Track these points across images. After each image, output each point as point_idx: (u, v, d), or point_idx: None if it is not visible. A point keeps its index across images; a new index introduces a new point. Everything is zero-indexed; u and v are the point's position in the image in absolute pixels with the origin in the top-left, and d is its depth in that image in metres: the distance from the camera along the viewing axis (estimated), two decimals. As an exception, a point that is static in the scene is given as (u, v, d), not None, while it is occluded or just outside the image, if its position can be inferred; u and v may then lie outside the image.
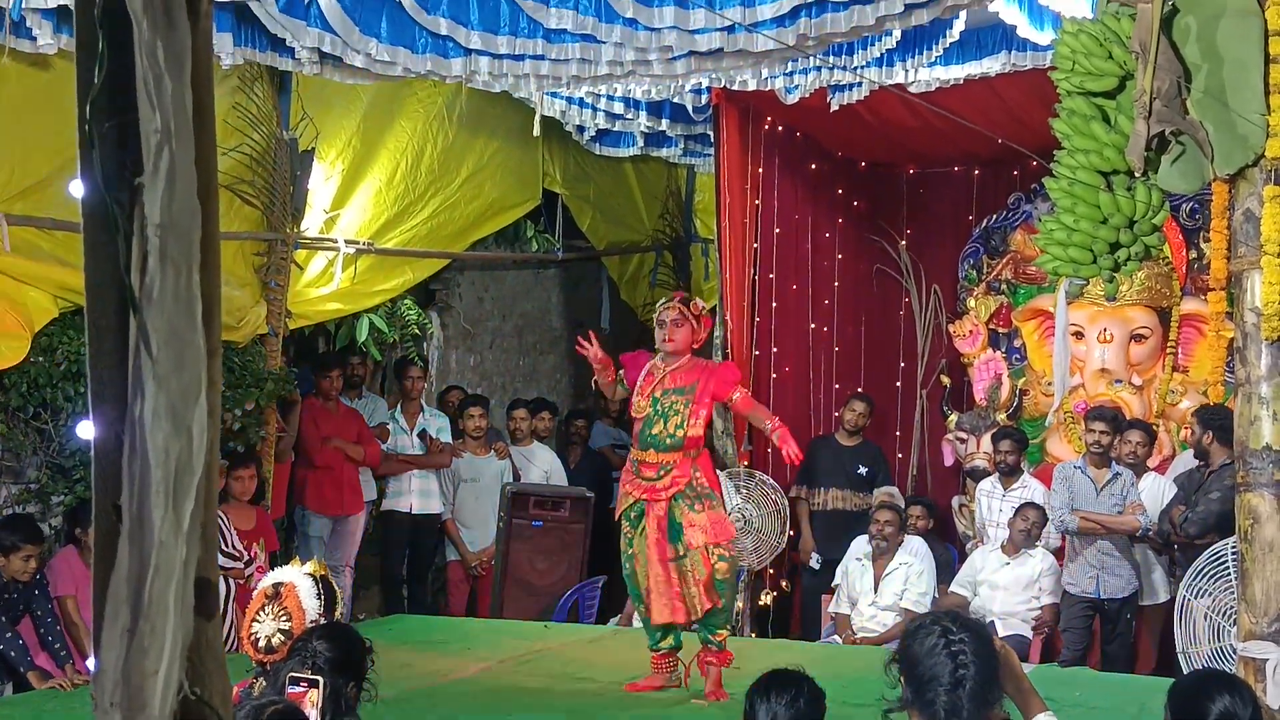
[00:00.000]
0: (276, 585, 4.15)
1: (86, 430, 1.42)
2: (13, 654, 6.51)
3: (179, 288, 1.33)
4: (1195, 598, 6.44)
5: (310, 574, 4.20)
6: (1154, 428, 8.99)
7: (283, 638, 4.01)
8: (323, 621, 4.05)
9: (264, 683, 3.97)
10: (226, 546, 7.56)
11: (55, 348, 7.14)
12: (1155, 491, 8.13)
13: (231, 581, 7.56)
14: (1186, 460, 8.27)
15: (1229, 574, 6.16)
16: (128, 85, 1.36)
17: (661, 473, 6.41)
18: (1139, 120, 4.03)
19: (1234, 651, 4.45)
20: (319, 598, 4.13)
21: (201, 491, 1.32)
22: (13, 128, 6.98)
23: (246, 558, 7.73)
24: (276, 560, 7.58)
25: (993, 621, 8.26)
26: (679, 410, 6.41)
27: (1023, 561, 8.31)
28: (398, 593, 9.65)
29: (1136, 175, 4.17)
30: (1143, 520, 7.91)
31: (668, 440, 6.40)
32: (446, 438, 9.52)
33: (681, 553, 6.42)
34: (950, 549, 9.37)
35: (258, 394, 8.07)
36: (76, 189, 1.44)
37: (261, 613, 4.09)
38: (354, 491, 9.04)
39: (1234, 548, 6.15)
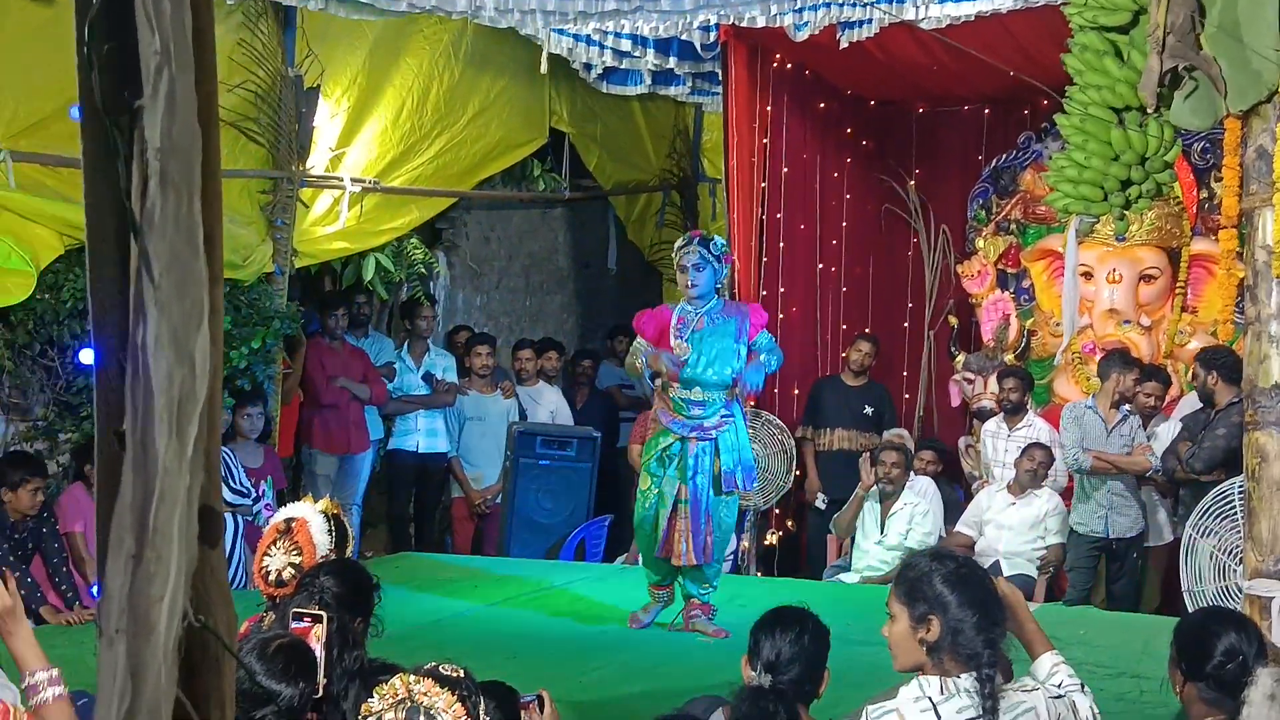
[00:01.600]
0: (288, 520, 4.16)
1: (88, 357, 1.41)
2: (24, 592, 6.55)
3: (180, 213, 1.31)
4: (1201, 536, 6.45)
5: (323, 511, 4.21)
6: (1166, 372, 8.99)
7: (293, 571, 4.02)
8: (333, 558, 4.06)
9: (273, 616, 3.98)
10: (234, 483, 7.58)
11: (61, 285, 7.14)
12: (1167, 436, 8.12)
13: (240, 518, 7.59)
14: (1192, 402, 8.25)
15: (1235, 513, 6.17)
16: (126, 6, 1.34)
17: (710, 410, 6.47)
18: (1152, 55, 3.98)
19: (1240, 590, 4.46)
20: (330, 534, 4.14)
21: (205, 419, 1.31)
22: (16, 64, 6.95)
23: (254, 495, 7.76)
24: (284, 499, 7.61)
25: (998, 561, 8.29)
26: (723, 348, 6.46)
27: (1029, 501, 8.32)
28: (404, 531, 9.70)
29: (1149, 111, 4.13)
30: (1153, 460, 7.92)
31: (714, 377, 6.47)
32: (452, 378, 9.53)
33: (715, 494, 6.50)
34: (957, 489, 9.38)
35: (264, 332, 8.07)
36: (76, 113, 1.42)
37: (273, 547, 4.11)
38: (360, 430, 9.06)
39: (1240, 486, 6.16)
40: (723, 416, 6.52)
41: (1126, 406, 8.13)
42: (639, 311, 7.02)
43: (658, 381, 6.65)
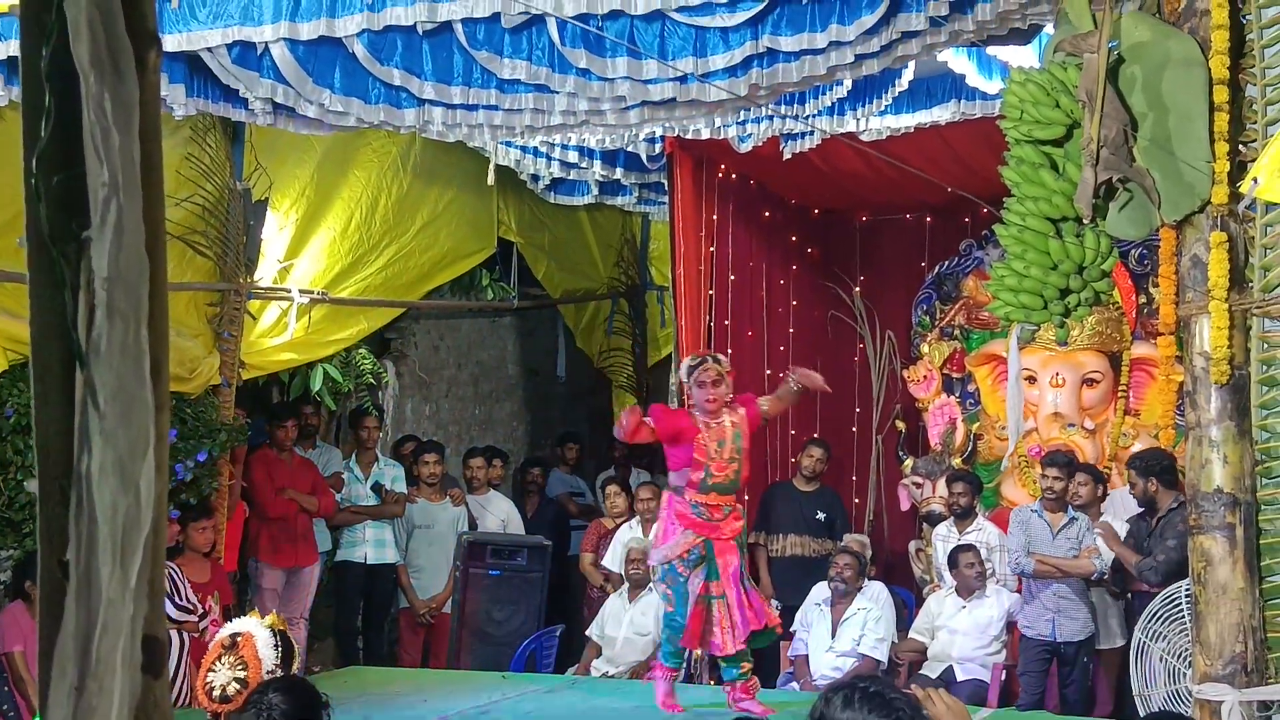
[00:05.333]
0: (234, 635, 4.12)
1: (34, 486, 1.40)
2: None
3: (127, 341, 1.32)
4: (1151, 640, 6.47)
5: (269, 626, 4.16)
6: (1104, 471, 9.06)
7: (238, 686, 3.97)
8: (279, 674, 4.01)
9: (218, 736, 3.92)
10: (180, 600, 7.48)
11: (4, 400, 7.07)
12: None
13: (185, 635, 7.47)
14: (1124, 496, 8.30)
15: (1184, 616, 6.20)
16: (75, 139, 1.35)
17: (725, 513, 6.87)
18: (1087, 168, 4.08)
19: (1190, 694, 4.47)
20: (276, 648, 4.10)
21: (149, 548, 1.31)
22: (-38, 179, 6.93)
23: (201, 611, 7.64)
24: (230, 614, 7.50)
25: (952, 666, 8.27)
26: (735, 456, 6.84)
27: (979, 604, 8.32)
28: (353, 644, 9.57)
29: (1085, 222, 4.22)
30: (1097, 564, 7.94)
31: (728, 484, 6.87)
32: (401, 487, 9.47)
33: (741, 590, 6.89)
34: (903, 594, 9.37)
35: (211, 445, 8.00)
36: (23, 243, 1.42)
37: (218, 662, 4.06)
38: (308, 543, 8.97)
39: (1188, 590, 6.19)
40: (731, 518, 6.93)
41: (1072, 509, 8.18)
42: (657, 406, 7.49)
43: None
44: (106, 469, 1.28)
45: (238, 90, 6.64)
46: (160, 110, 1.48)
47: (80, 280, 1.34)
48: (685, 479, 6.90)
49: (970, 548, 8.40)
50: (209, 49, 6.17)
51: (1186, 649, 5.92)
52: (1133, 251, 9.23)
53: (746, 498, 9.41)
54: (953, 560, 8.42)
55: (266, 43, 6.18)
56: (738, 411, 6.97)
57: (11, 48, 6.01)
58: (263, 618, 4.34)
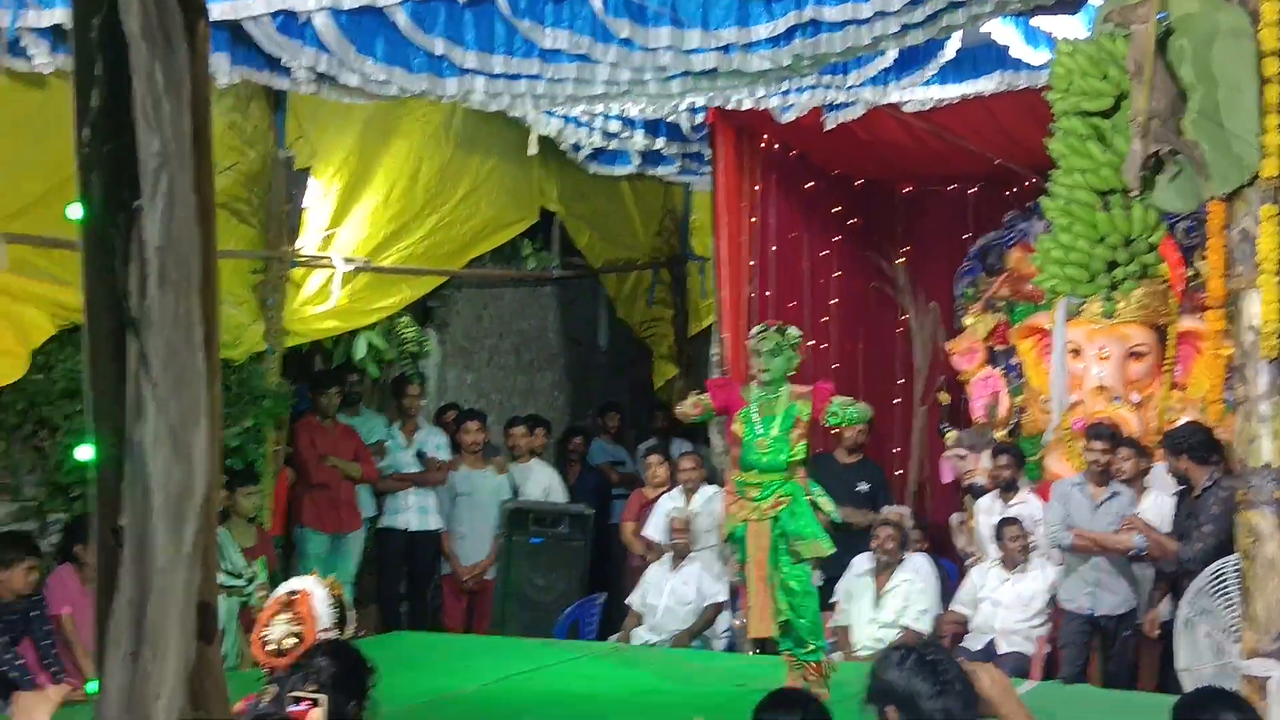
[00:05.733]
0: (291, 593, 4.16)
1: (85, 453, 1.41)
2: (13, 674, 6.49)
3: (179, 310, 1.33)
4: (1197, 615, 6.43)
5: (327, 587, 4.21)
6: (1147, 447, 9.00)
7: (294, 640, 4.02)
8: (334, 634, 4.06)
9: (272, 691, 3.97)
10: (228, 565, 7.55)
11: (52, 365, 7.14)
12: (1153, 513, 8.08)
13: (234, 600, 7.55)
14: (1166, 472, 8.20)
15: (1231, 591, 6.15)
16: (125, 108, 1.36)
17: (767, 492, 6.65)
18: (1135, 140, 4.03)
19: (1236, 669, 4.45)
20: (333, 607, 4.14)
21: (202, 515, 1.32)
22: (8, 146, 6.99)
23: (249, 575, 7.72)
24: (276, 579, 7.56)
25: (994, 639, 8.25)
26: (783, 434, 6.68)
27: (1022, 577, 8.29)
28: (396, 610, 9.64)
29: (1133, 194, 4.17)
30: (1137, 541, 7.83)
31: (769, 462, 6.67)
32: (444, 455, 9.51)
33: (781, 568, 6.68)
34: (947, 565, 9.34)
35: (255, 411, 8.06)
36: (75, 212, 1.43)
37: (274, 618, 4.10)
38: (351, 509, 9.04)
39: (1236, 565, 6.15)
40: (779, 497, 6.67)
41: (1115, 483, 8.10)
42: (712, 380, 7.54)
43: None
44: (160, 437, 1.29)
45: (281, 59, 6.66)
46: (209, 80, 1.48)
47: (132, 249, 1.35)
48: (732, 457, 6.86)
49: (1015, 520, 8.35)
50: (253, 18, 6.18)
51: (1234, 624, 5.89)
52: (1180, 224, 9.12)
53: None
54: (998, 533, 8.38)
55: (309, 12, 6.18)
56: (801, 393, 6.81)
57: (55, 16, 6.04)
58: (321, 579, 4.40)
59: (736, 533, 6.78)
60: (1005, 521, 8.37)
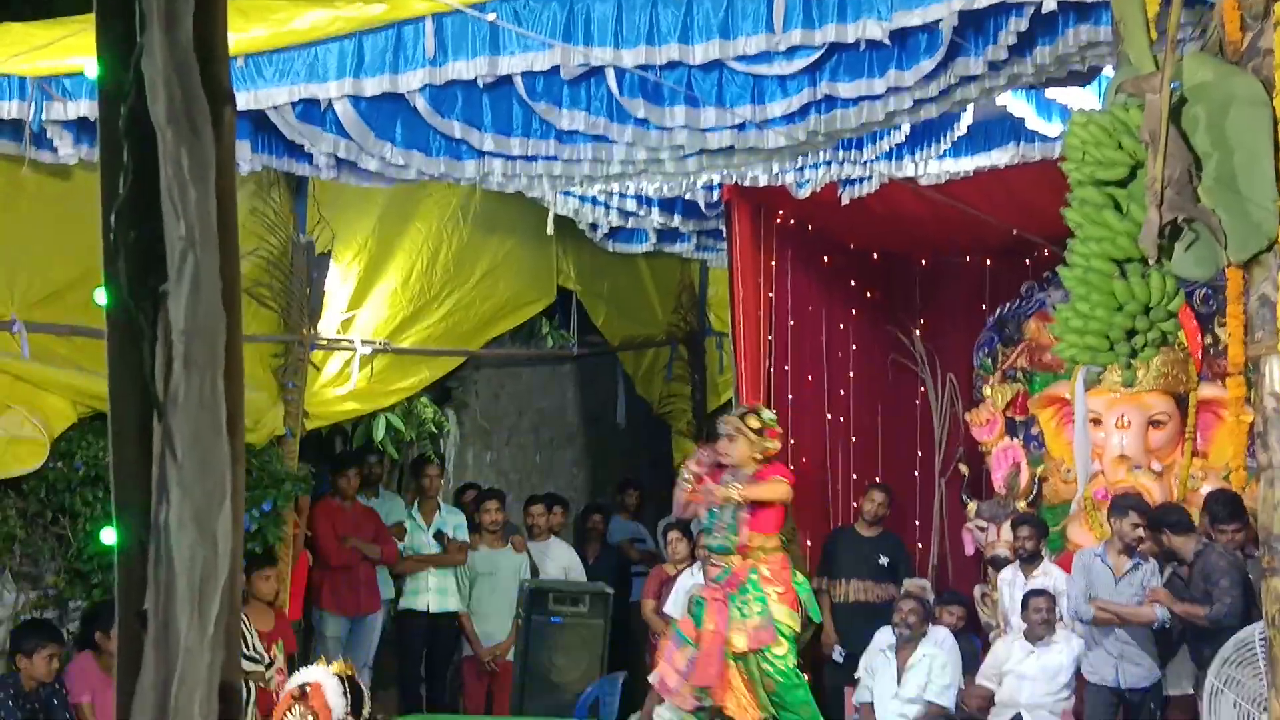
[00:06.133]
0: (303, 686, 4.14)
1: (109, 536, 1.42)
2: (33, 763, 6.46)
3: (204, 393, 1.34)
4: (1225, 686, 6.35)
5: (336, 673, 4.18)
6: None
7: (311, 737, 3.98)
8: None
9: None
10: (248, 649, 7.51)
11: (74, 453, 7.16)
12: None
13: (252, 684, 7.51)
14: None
15: (1258, 661, 6.08)
16: (152, 194, 1.38)
17: (722, 575, 6.83)
18: (1151, 208, 4.04)
19: (1266, 741, 4.39)
20: (345, 696, 4.11)
21: (226, 597, 1.32)
22: (32, 236, 7.07)
23: (267, 660, 7.68)
24: (294, 663, 7.53)
25: (1020, 714, 8.15)
26: (729, 518, 6.81)
27: (1047, 649, 8.20)
28: (416, 692, 9.57)
29: (1150, 263, 4.18)
30: (1159, 613, 7.71)
31: (720, 545, 6.85)
32: (463, 535, 9.49)
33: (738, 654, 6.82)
34: (975, 640, 9.26)
35: (275, 494, 8.07)
36: (101, 297, 1.45)
37: (289, 713, 4.07)
38: (371, 591, 9.01)
39: (1262, 633, 6.08)
40: (731, 580, 6.79)
41: (1138, 555, 8.00)
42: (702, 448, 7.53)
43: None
44: (184, 519, 1.30)
45: (301, 145, 6.74)
46: (235, 166, 1.50)
47: (158, 333, 1.36)
48: None
49: (1043, 592, 8.25)
50: (274, 107, 6.26)
51: (1261, 694, 5.82)
52: (1198, 292, 9.13)
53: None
54: (1023, 605, 8.30)
55: (331, 99, 6.26)
56: (748, 478, 6.89)
57: (81, 108, 6.13)
58: (329, 666, 4.36)
59: (697, 604, 6.91)
60: (1033, 594, 8.28)
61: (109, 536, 1.41)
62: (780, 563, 6.89)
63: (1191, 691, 7.89)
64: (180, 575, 1.28)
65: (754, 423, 6.88)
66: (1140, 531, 7.93)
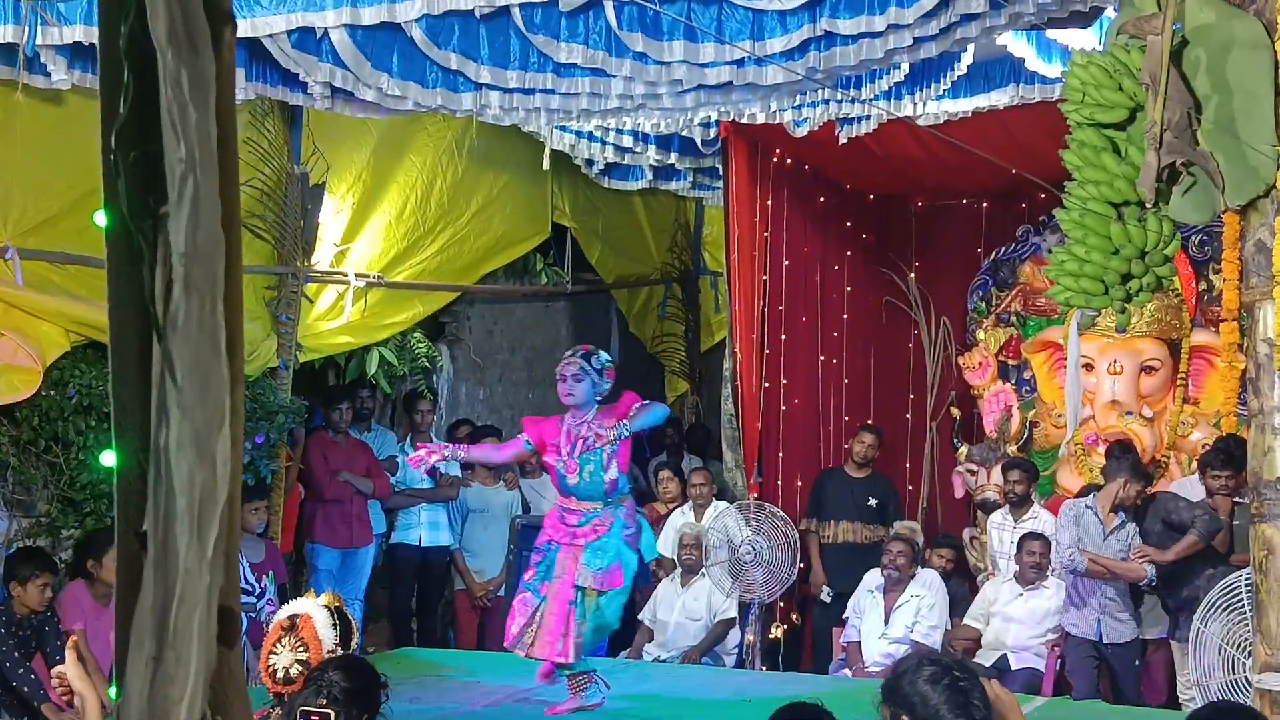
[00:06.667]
0: (292, 617, 4.16)
1: (109, 459, 1.42)
2: (26, 689, 6.50)
3: (203, 316, 1.33)
4: (1209, 630, 6.40)
5: (326, 605, 4.20)
6: (1163, 459, 9.02)
7: (300, 668, 4.01)
8: (339, 652, 4.05)
9: (279, 713, 3.96)
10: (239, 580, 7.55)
11: (67, 381, 7.16)
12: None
13: (243, 615, 7.55)
14: (1191, 485, 8.18)
15: (1243, 606, 6.13)
16: (151, 115, 1.37)
17: (584, 520, 6.66)
18: (1149, 151, 4.04)
19: (1248, 684, 4.43)
20: (335, 628, 4.13)
21: (225, 520, 1.32)
22: (25, 163, 7.03)
23: (258, 590, 7.73)
24: (285, 594, 7.57)
25: (1006, 655, 8.22)
26: (595, 459, 6.66)
27: (1036, 593, 8.26)
28: (406, 626, 9.63)
29: (1147, 206, 4.17)
30: (1148, 570, 7.75)
31: (585, 488, 6.68)
32: (455, 471, 9.52)
33: (578, 597, 6.65)
34: (963, 584, 9.31)
35: (268, 427, 8.08)
36: (100, 219, 1.44)
37: (279, 644, 4.10)
38: (363, 524, 9.05)
39: (1248, 579, 6.13)
40: (595, 525, 6.67)
41: (1124, 513, 7.96)
42: (527, 418, 7.36)
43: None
44: (184, 442, 1.30)
45: (297, 74, 6.69)
46: (235, 88, 1.49)
47: (158, 256, 1.35)
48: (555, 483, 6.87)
49: (1039, 536, 8.26)
50: (270, 35, 6.21)
51: (1246, 639, 5.87)
52: (1193, 238, 9.13)
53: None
54: (1018, 548, 8.32)
55: (327, 27, 6.21)
56: (602, 418, 6.73)
57: (75, 32, 6.08)
58: (318, 597, 4.38)
59: (549, 555, 6.75)
60: (1029, 537, 8.30)
61: (109, 459, 1.41)
62: (631, 505, 6.95)
63: (1165, 635, 7.97)
64: (180, 497, 1.28)
65: (597, 363, 6.81)
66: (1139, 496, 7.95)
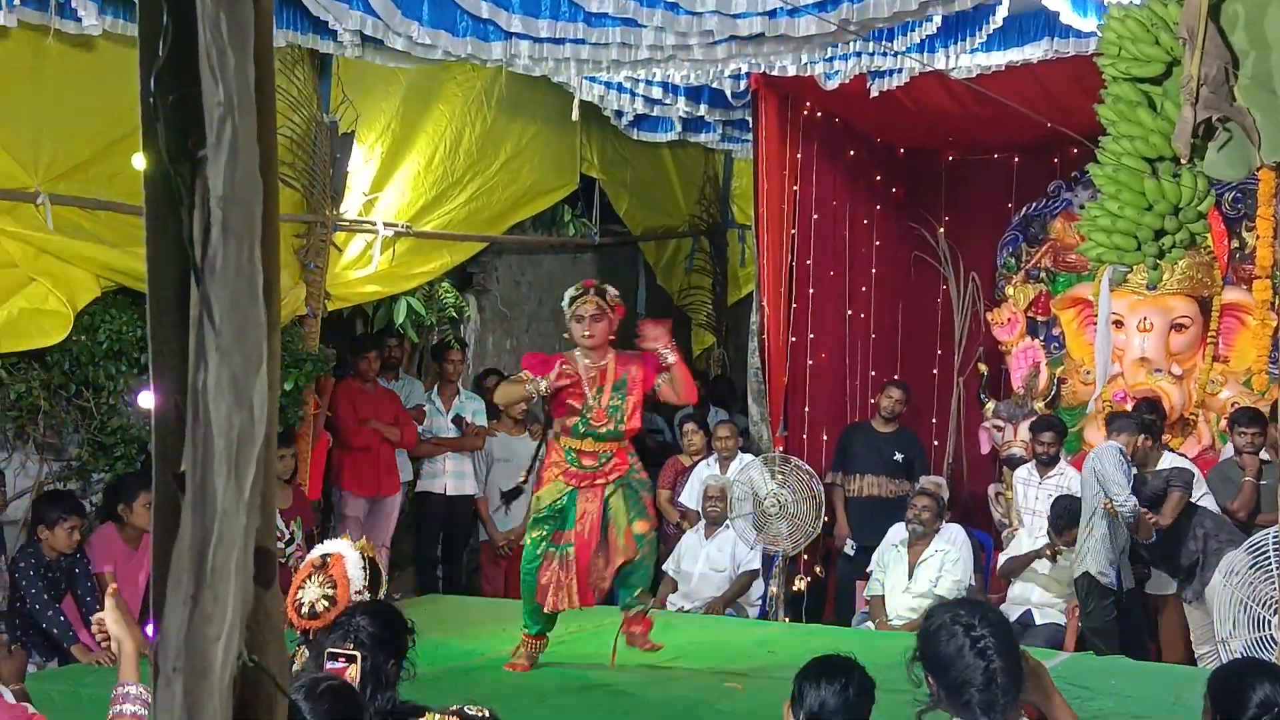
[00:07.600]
0: (324, 555, 4.20)
1: (147, 400, 1.44)
2: (56, 630, 6.59)
3: (241, 260, 1.34)
4: (1235, 587, 6.41)
5: (359, 549, 4.25)
6: (1191, 417, 8.98)
7: (327, 604, 4.05)
8: (366, 596, 4.09)
9: (307, 652, 4.01)
10: (266, 525, 7.61)
11: (97, 326, 7.20)
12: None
13: (272, 560, 7.62)
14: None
15: (1269, 564, 6.13)
16: (190, 59, 1.37)
17: (602, 461, 6.57)
18: (1185, 106, 3.99)
19: (1274, 641, 4.44)
20: (365, 571, 4.18)
21: (262, 462, 1.34)
22: (56, 109, 7.04)
23: (286, 536, 7.80)
24: (312, 540, 7.63)
25: (1030, 610, 8.24)
26: (618, 402, 6.54)
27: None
28: (432, 573, 9.71)
29: (1183, 162, 4.14)
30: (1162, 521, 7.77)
31: (606, 431, 6.54)
32: (482, 421, 9.56)
33: (614, 538, 6.61)
34: (980, 537, 9.30)
35: (296, 374, 8.12)
36: (140, 162, 1.45)
37: (308, 580, 4.14)
38: (390, 472, 9.10)
39: (1275, 538, 6.13)
40: (614, 465, 6.62)
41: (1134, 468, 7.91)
42: (528, 354, 7.08)
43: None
44: (222, 384, 1.31)
45: (327, 22, 6.68)
46: (272, 32, 1.50)
47: (196, 199, 1.36)
48: (562, 424, 6.62)
49: (1075, 499, 8.25)
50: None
51: (1272, 596, 5.87)
52: (1227, 195, 9.05)
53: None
54: (1052, 508, 8.30)
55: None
56: (632, 362, 6.59)
57: (106, -22, 6.08)
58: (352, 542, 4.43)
59: (560, 502, 6.60)
60: (1065, 498, 8.26)
61: (146, 400, 1.42)
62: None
63: (1173, 593, 7.98)
64: (218, 438, 1.29)
65: (610, 300, 6.63)
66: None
